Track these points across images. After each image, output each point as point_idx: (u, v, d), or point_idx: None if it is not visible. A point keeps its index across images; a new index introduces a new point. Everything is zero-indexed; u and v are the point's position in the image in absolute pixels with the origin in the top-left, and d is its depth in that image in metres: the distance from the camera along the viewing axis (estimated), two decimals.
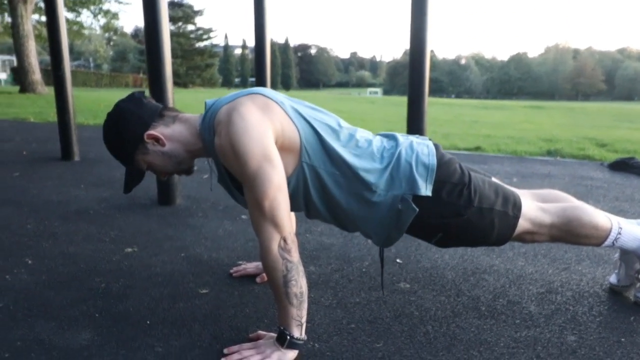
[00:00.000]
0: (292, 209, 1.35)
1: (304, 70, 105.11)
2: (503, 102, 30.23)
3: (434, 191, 1.31)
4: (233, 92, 1.34)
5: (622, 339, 1.31)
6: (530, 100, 57.45)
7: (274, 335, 1.25)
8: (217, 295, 1.57)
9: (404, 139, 1.41)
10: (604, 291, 1.62)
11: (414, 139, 1.42)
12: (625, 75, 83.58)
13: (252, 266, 1.74)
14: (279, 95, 1.32)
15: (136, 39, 58.01)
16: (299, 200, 1.34)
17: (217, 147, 1.21)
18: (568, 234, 1.41)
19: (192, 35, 46.62)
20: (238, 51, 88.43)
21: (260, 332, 1.31)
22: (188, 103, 12.08)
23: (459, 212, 1.33)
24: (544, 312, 1.47)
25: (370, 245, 2.04)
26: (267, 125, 1.20)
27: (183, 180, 2.78)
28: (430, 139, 1.45)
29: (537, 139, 6.09)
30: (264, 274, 1.68)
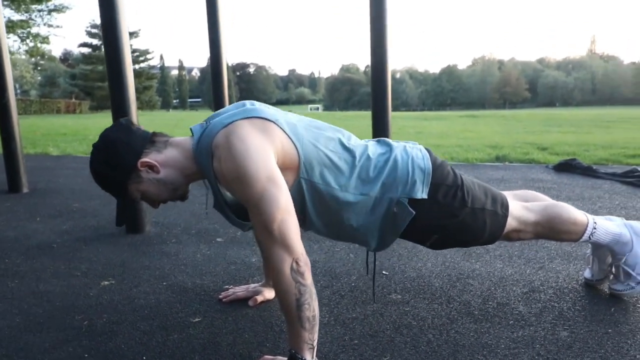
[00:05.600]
0: None
1: (243, 89, 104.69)
2: (439, 113, 31.47)
3: (429, 194, 1.34)
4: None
5: (609, 330, 1.40)
6: (463, 110, 60.32)
7: (283, 358, 1.22)
8: (211, 322, 1.52)
9: (397, 144, 1.43)
10: (581, 286, 1.71)
11: (406, 144, 1.45)
12: (546, 84, 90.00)
13: (241, 289, 1.70)
14: (273, 111, 1.31)
15: (66, 62, 55.59)
16: (296, 213, 1.33)
17: (217, 171, 1.18)
18: (551, 230, 1.49)
19: None
20: (175, 72, 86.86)
21: (266, 356, 1.28)
22: None
23: (454, 213, 1.37)
24: (533, 311, 1.53)
25: (354, 260, 2.05)
26: (268, 146, 1.19)
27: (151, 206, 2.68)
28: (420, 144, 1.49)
29: (482, 146, 6.39)
30: (256, 297, 1.65)
